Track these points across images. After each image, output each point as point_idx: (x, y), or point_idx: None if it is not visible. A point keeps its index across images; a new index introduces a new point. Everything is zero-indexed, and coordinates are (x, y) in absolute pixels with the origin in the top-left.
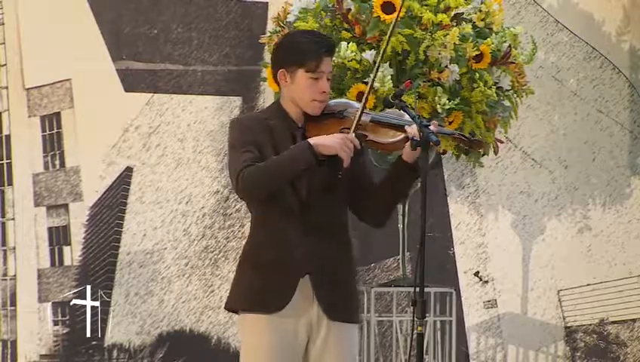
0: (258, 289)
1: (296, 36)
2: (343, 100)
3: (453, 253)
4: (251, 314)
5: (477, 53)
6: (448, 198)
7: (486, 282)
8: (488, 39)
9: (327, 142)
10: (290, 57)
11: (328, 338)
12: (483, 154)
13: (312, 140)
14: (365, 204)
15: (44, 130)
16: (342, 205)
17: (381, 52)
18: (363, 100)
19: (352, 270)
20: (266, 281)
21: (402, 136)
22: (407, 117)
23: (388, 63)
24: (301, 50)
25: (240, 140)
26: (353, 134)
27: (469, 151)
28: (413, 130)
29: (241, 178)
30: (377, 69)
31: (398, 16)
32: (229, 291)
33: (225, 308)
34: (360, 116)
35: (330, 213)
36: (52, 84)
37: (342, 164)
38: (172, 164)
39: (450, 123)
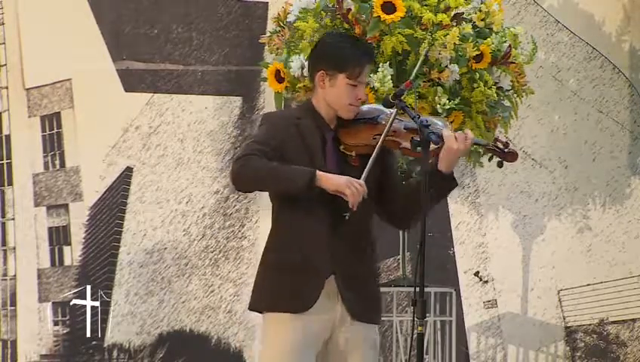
0: (284, 289)
1: (339, 39)
2: (374, 106)
3: (453, 253)
4: (276, 314)
5: (477, 53)
6: (448, 198)
7: (486, 282)
8: (488, 39)
9: (332, 178)
10: (332, 61)
11: (350, 338)
12: (483, 154)
13: (319, 173)
14: (393, 208)
15: (44, 130)
16: (367, 206)
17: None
18: (395, 110)
19: (375, 271)
20: (293, 282)
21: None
22: (440, 124)
23: (388, 63)
24: (345, 55)
25: (263, 135)
26: (364, 182)
27: (502, 164)
28: (448, 133)
29: (237, 162)
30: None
31: None
32: (252, 292)
33: (249, 309)
34: (391, 124)
35: (357, 213)
36: (52, 84)
37: (348, 205)
38: (172, 164)
39: (450, 123)
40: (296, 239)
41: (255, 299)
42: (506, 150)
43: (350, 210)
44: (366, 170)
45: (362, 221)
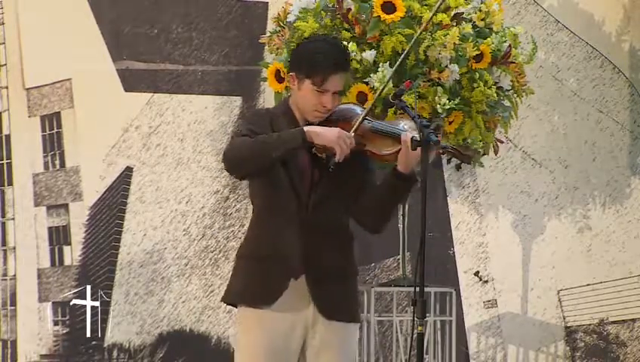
0: (251, 283)
1: (313, 45)
2: (350, 105)
3: (453, 253)
4: (245, 308)
5: (477, 53)
6: (448, 198)
7: (486, 282)
8: (488, 39)
9: (322, 131)
10: (300, 65)
11: (325, 337)
12: (483, 154)
13: (307, 127)
14: (365, 210)
15: (44, 130)
16: (342, 205)
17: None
18: (367, 108)
19: (350, 270)
20: (260, 277)
21: (398, 147)
22: (400, 126)
23: (388, 63)
24: (312, 61)
25: (244, 129)
26: (353, 134)
27: (460, 166)
28: (407, 137)
29: (227, 147)
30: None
31: None
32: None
33: (221, 300)
34: (361, 122)
35: (330, 213)
36: (52, 84)
37: (335, 158)
38: (172, 163)
39: (450, 123)
40: (267, 236)
41: (226, 291)
42: (463, 153)
43: (335, 163)
44: (357, 124)
45: (337, 219)
